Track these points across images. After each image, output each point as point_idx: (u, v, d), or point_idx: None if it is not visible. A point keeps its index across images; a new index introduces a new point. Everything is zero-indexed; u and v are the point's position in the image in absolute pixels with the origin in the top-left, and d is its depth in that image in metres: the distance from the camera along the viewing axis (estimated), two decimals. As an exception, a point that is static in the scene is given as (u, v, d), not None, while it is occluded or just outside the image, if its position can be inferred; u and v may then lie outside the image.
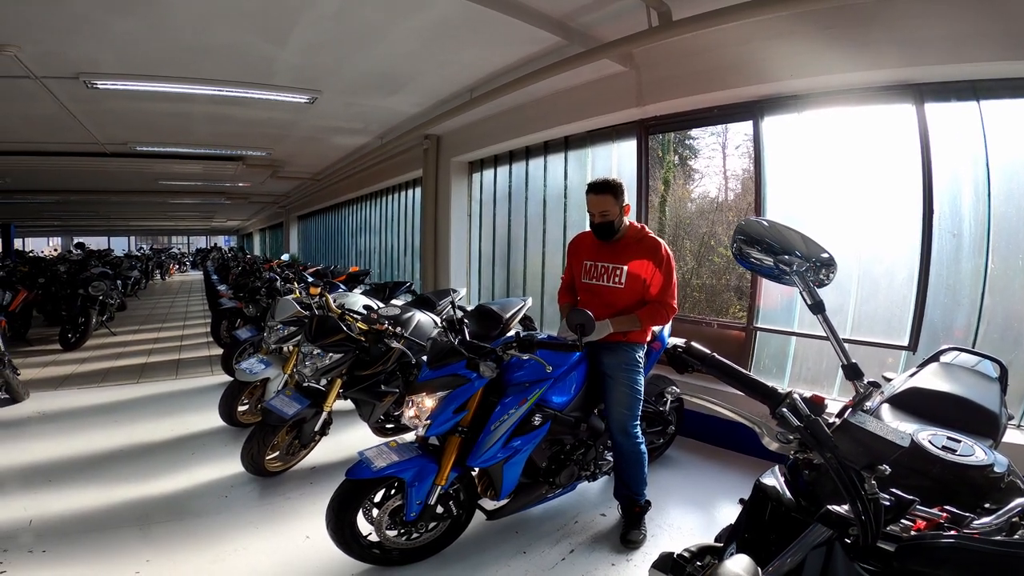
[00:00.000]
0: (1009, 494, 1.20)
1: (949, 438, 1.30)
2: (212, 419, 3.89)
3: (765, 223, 1.39)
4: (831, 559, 0.90)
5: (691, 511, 2.87)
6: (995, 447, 1.71)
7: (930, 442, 1.28)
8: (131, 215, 21.15)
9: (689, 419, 3.54)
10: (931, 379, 1.95)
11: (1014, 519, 0.95)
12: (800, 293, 1.33)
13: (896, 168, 3.28)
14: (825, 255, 1.36)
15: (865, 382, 1.20)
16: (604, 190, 2.47)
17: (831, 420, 1.03)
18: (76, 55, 4.00)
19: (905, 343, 3.19)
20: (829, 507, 0.95)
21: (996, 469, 1.22)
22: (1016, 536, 0.91)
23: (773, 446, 1.05)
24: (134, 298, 12.85)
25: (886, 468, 0.91)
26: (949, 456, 1.23)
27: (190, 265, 28.39)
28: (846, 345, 1.36)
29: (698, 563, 1.28)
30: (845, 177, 3.55)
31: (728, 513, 2.83)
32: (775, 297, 3.82)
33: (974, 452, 1.26)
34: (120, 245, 31.28)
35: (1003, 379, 2.05)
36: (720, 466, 3.39)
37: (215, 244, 34.52)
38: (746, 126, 3.99)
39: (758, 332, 3.86)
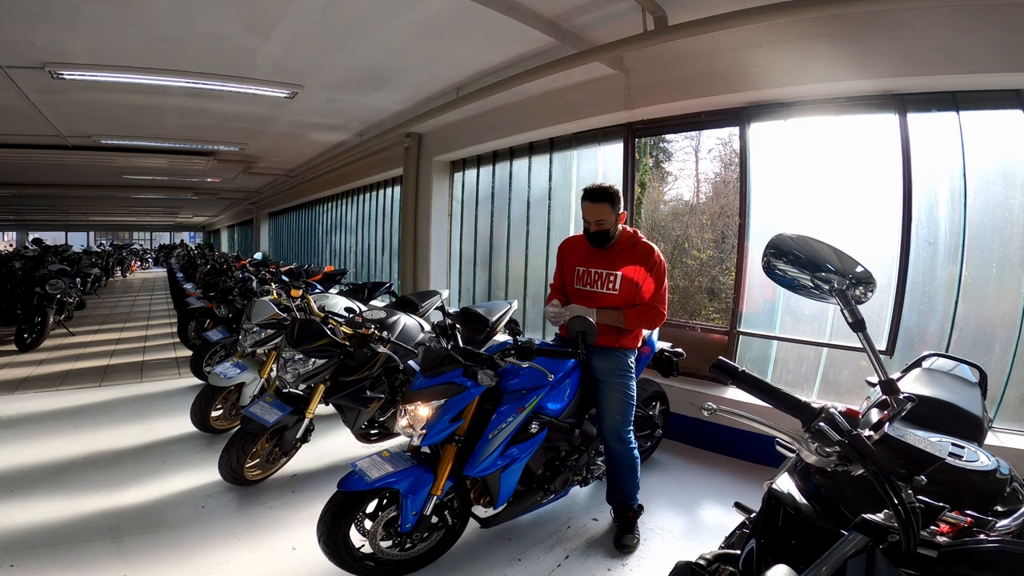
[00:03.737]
0: (1013, 498, 1.23)
1: (954, 444, 1.32)
2: (182, 424, 3.73)
3: (795, 237, 1.32)
4: (873, 566, 0.90)
5: (679, 513, 2.87)
6: None
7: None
8: (91, 210, 20.27)
9: (674, 422, 3.56)
10: (916, 385, 1.99)
11: None
12: (841, 311, 1.26)
13: (878, 176, 3.35)
14: (860, 269, 1.26)
15: (901, 396, 1.19)
16: (601, 198, 2.38)
17: (866, 433, 1.03)
18: (44, 43, 3.79)
19: (883, 348, 3.27)
20: (864, 516, 0.95)
21: (1001, 473, 1.24)
22: None
23: (812, 459, 1.04)
24: (94, 296, 12.30)
25: (923, 478, 0.91)
26: (957, 463, 1.24)
27: (153, 262, 27.48)
28: (880, 360, 1.33)
29: (714, 570, 1.27)
30: (828, 184, 3.61)
31: (715, 515, 2.87)
32: (757, 301, 3.87)
33: (979, 458, 1.27)
34: (78, 241, 30.00)
35: (983, 383, 2.11)
36: (704, 468, 3.42)
37: (180, 240, 33.46)
38: (720, 131, 4.02)
39: (741, 336, 3.90)
